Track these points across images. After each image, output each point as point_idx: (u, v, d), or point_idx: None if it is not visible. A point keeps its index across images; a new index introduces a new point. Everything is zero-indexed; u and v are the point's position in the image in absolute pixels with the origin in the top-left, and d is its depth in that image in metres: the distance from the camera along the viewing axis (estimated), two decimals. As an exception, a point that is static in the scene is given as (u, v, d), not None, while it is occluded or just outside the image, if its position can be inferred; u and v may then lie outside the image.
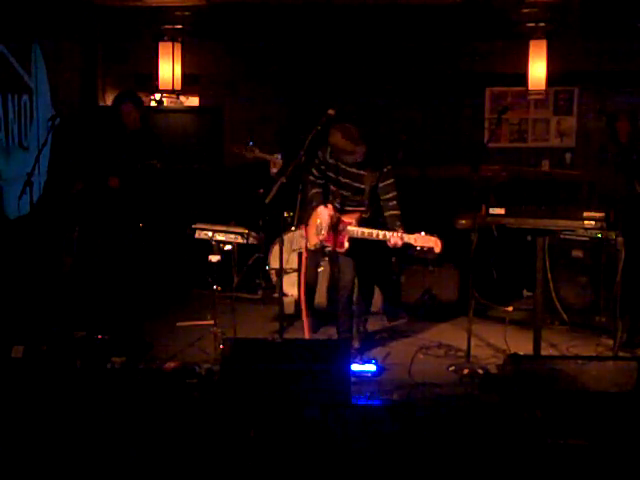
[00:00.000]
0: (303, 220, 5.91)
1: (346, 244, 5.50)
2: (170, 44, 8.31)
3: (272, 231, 6.76)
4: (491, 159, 7.79)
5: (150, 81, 8.53)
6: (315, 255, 6.03)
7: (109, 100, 8.43)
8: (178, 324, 6.44)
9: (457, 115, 8.55)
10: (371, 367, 5.32)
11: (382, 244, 5.34)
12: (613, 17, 8.15)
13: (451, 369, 5.45)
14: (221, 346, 5.03)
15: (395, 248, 5.32)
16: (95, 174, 6.58)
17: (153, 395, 4.76)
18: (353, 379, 4.70)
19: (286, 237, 6.40)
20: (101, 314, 6.04)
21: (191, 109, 9.00)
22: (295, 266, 6.66)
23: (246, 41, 8.58)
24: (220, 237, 5.82)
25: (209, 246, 5.82)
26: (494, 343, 6.03)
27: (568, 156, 8.57)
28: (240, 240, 5.81)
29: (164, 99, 8.68)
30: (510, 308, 6.72)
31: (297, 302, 6.29)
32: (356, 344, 5.81)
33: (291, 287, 6.71)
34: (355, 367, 5.14)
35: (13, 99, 6.70)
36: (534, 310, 5.55)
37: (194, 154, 8.34)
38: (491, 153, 7.96)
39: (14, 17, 6.72)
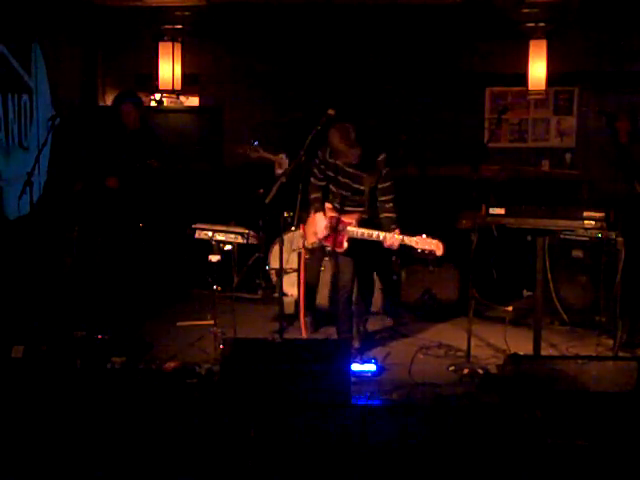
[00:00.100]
0: (303, 220, 5.91)
1: (345, 244, 5.50)
2: (170, 44, 8.31)
3: (272, 231, 6.76)
4: (491, 159, 7.79)
5: (150, 81, 8.53)
6: (317, 255, 6.03)
7: (109, 100, 8.44)
8: (178, 324, 6.43)
9: (457, 115, 8.54)
10: (371, 367, 5.32)
11: (381, 244, 5.35)
12: (613, 17, 8.15)
13: (451, 369, 5.45)
14: (221, 346, 5.02)
15: (391, 249, 5.34)
16: (95, 174, 6.59)
17: (153, 395, 4.76)
18: (353, 379, 4.70)
19: (286, 237, 6.39)
20: (101, 314, 6.05)
21: (191, 109, 9.00)
22: (295, 266, 6.66)
23: (246, 41, 8.58)
24: (220, 237, 5.82)
25: (209, 246, 5.82)
26: (494, 343, 6.03)
27: (568, 156, 8.57)
28: (240, 240, 5.82)
29: (164, 99, 8.69)
30: (510, 308, 6.72)
31: (297, 302, 6.29)
32: (356, 344, 5.81)
33: (291, 287, 6.71)
34: (355, 367, 5.14)
35: (13, 99, 6.70)
36: (534, 310, 5.55)
37: (194, 154, 8.34)
38: (491, 153, 7.95)
39: (14, 17, 6.72)
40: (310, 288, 6.21)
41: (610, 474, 3.87)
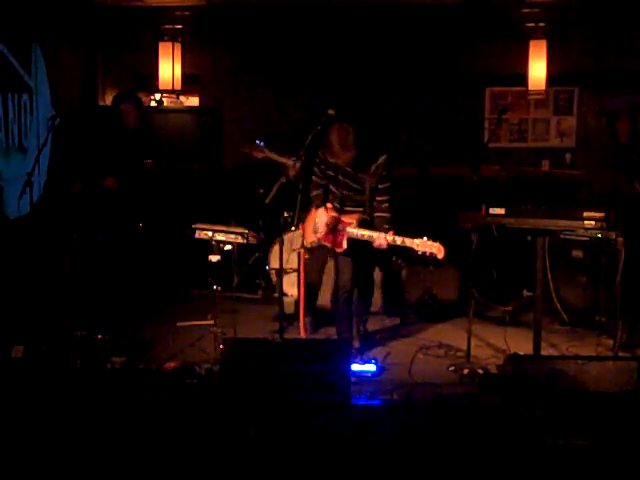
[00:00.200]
0: (303, 220, 5.91)
1: (345, 244, 5.50)
2: (170, 44, 8.32)
3: (272, 231, 6.76)
4: (491, 159, 7.79)
5: (150, 81, 8.54)
6: (318, 255, 6.02)
7: (109, 100, 8.43)
8: (178, 324, 6.43)
9: (457, 115, 8.54)
10: (371, 367, 5.32)
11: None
12: (613, 17, 8.15)
13: (451, 369, 5.45)
14: (221, 346, 5.03)
15: (380, 249, 5.34)
16: (94, 174, 6.59)
17: (153, 395, 4.76)
18: (353, 379, 4.70)
19: (286, 237, 6.39)
20: (101, 314, 6.05)
21: (191, 109, 9.00)
22: (295, 266, 6.65)
23: (246, 41, 8.58)
24: (220, 237, 5.82)
25: (209, 246, 5.82)
26: (494, 343, 6.03)
27: (568, 156, 8.56)
28: (240, 240, 5.81)
29: (164, 99, 8.68)
30: (510, 308, 6.72)
31: (297, 302, 6.29)
32: (356, 344, 5.81)
33: (291, 287, 6.71)
34: (355, 367, 5.14)
35: (13, 99, 6.70)
36: (534, 310, 5.55)
37: (194, 154, 8.34)
38: (491, 153, 7.96)
39: (14, 17, 6.72)
40: (311, 288, 6.22)
41: (610, 474, 3.87)
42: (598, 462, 3.90)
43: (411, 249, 5.22)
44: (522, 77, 8.23)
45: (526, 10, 8.16)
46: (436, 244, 5.12)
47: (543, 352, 5.48)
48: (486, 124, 8.65)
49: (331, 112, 5.31)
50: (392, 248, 5.37)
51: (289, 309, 6.39)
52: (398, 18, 8.33)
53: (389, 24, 8.35)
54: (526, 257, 5.85)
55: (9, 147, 6.66)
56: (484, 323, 6.52)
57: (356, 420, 4.27)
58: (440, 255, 5.13)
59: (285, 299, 6.16)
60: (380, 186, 5.48)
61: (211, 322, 5.72)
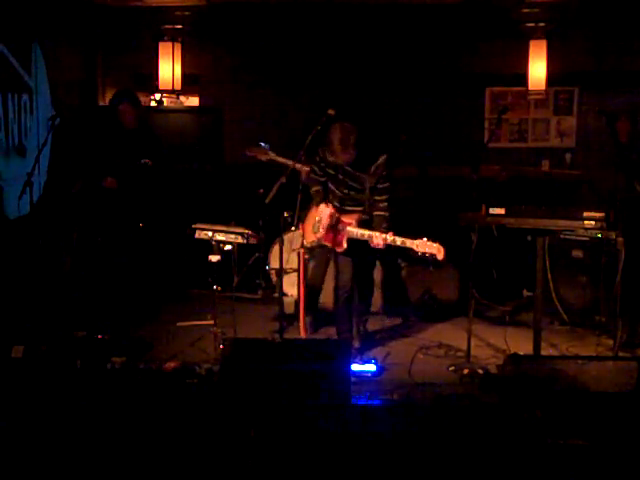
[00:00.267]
0: (303, 220, 5.91)
1: (345, 244, 5.50)
2: (170, 44, 8.31)
3: (272, 231, 6.76)
4: (491, 159, 7.78)
5: (150, 81, 8.53)
6: (322, 258, 6.03)
7: (109, 100, 8.44)
8: (178, 324, 6.43)
9: (457, 115, 8.54)
10: (371, 367, 5.32)
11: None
12: (613, 17, 8.15)
13: (451, 369, 5.45)
14: (221, 346, 5.03)
15: (377, 248, 5.34)
16: (93, 174, 6.59)
17: (153, 395, 4.75)
18: (353, 379, 4.70)
19: (286, 237, 6.39)
20: (101, 314, 6.04)
21: (191, 109, 9.00)
22: (295, 266, 6.65)
23: (246, 41, 8.57)
24: (220, 237, 5.82)
25: (209, 246, 5.82)
26: (494, 343, 6.03)
27: (568, 156, 8.56)
28: (240, 240, 5.81)
29: (164, 99, 8.68)
30: (510, 308, 6.72)
31: (297, 302, 6.29)
32: (356, 344, 5.81)
33: (291, 287, 6.71)
34: (355, 367, 5.14)
35: (13, 99, 6.70)
36: (534, 310, 5.55)
37: (194, 154, 8.33)
38: (491, 153, 7.95)
39: (14, 17, 6.72)
40: (314, 289, 6.23)
41: (610, 474, 3.87)
42: (598, 462, 3.90)
43: (411, 250, 5.22)
44: (522, 77, 8.22)
45: (526, 10, 8.16)
46: (436, 245, 5.12)
47: (543, 352, 5.49)
48: (486, 124, 8.65)
49: (331, 112, 5.31)
50: (391, 248, 5.37)
51: (289, 309, 6.39)
52: (398, 18, 8.32)
53: (389, 24, 8.35)
54: (526, 257, 5.86)
55: (9, 147, 6.66)
56: (484, 323, 6.53)
57: (356, 420, 4.27)
58: (440, 256, 5.13)
59: (285, 299, 6.16)
60: (379, 186, 5.48)
61: (211, 322, 5.72)
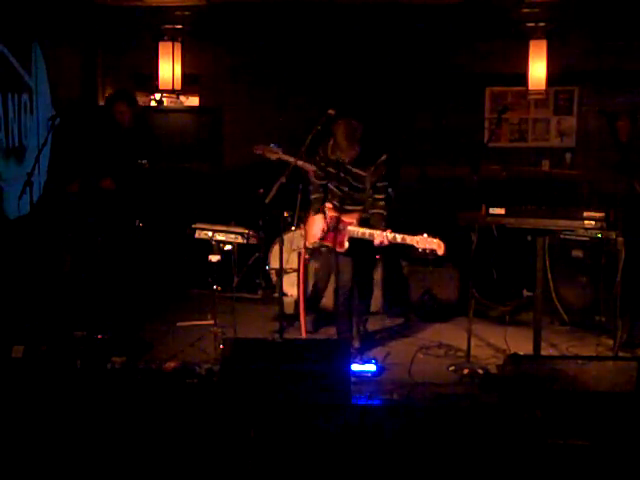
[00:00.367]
0: (303, 220, 5.91)
1: (346, 244, 5.50)
2: (170, 44, 8.31)
3: (272, 231, 6.76)
4: (491, 159, 7.78)
5: (150, 81, 8.53)
6: (327, 261, 6.03)
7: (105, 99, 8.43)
8: (178, 324, 6.43)
9: (457, 115, 8.54)
10: (371, 367, 5.32)
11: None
12: (613, 17, 8.15)
13: (451, 369, 5.45)
14: (221, 346, 5.02)
15: (381, 247, 5.34)
16: (91, 174, 6.58)
17: (153, 395, 4.75)
18: (353, 379, 4.70)
19: (286, 237, 6.39)
20: (101, 314, 6.04)
21: (191, 109, 9.00)
22: (295, 266, 6.66)
23: (246, 41, 8.57)
24: (220, 237, 5.82)
25: (209, 246, 5.82)
26: (494, 343, 6.03)
27: (568, 156, 8.56)
28: (240, 240, 5.82)
29: (164, 99, 8.68)
30: (510, 308, 6.72)
31: (297, 302, 6.29)
32: (356, 344, 5.81)
33: (291, 287, 6.71)
34: (355, 367, 5.14)
35: (13, 99, 6.69)
36: (534, 310, 5.55)
37: (194, 154, 8.34)
38: (491, 153, 7.95)
39: (14, 17, 6.72)
40: (317, 291, 6.24)
41: (610, 474, 3.87)
42: (598, 462, 3.90)
43: (411, 246, 5.22)
44: (522, 77, 8.22)
45: (526, 10, 8.15)
46: (436, 240, 5.13)
47: (543, 352, 5.49)
48: (486, 124, 8.64)
49: (331, 112, 5.31)
50: (393, 246, 5.37)
51: (289, 309, 6.39)
52: (398, 18, 8.32)
53: (389, 24, 8.34)
54: (526, 257, 5.86)
55: (9, 147, 6.66)
56: (484, 323, 6.52)
57: (356, 420, 4.27)
58: (440, 251, 5.13)
59: (285, 299, 6.17)
60: (378, 184, 5.49)
61: (211, 322, 5.73)
